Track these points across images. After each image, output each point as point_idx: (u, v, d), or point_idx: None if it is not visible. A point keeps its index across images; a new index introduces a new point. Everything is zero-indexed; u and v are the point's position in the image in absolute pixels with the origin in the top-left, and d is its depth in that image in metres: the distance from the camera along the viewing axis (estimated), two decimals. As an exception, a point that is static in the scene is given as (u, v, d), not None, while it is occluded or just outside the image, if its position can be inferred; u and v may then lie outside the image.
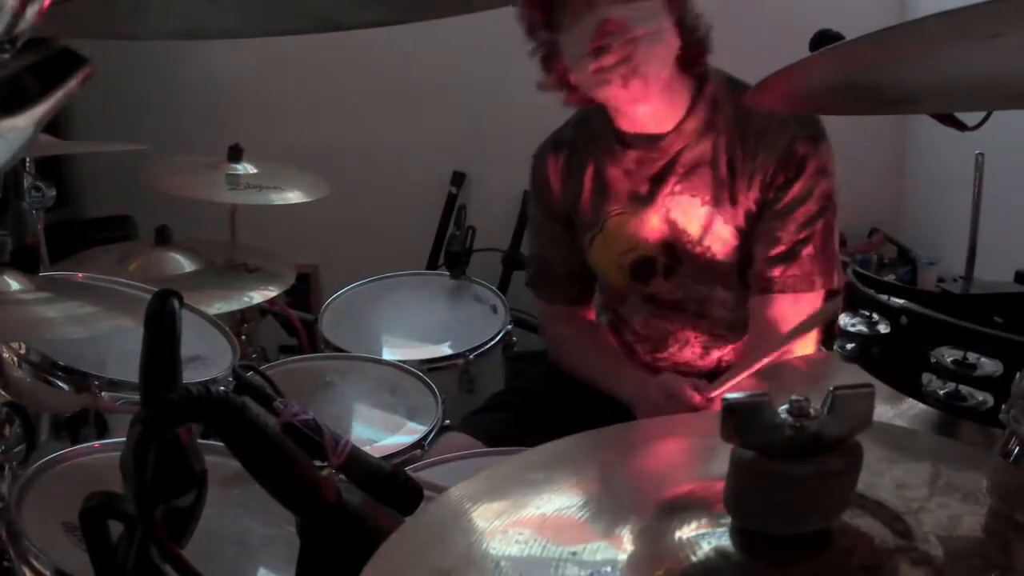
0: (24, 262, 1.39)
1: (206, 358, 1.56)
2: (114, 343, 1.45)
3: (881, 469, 0.58)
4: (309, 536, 0.71)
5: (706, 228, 1.56)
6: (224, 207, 2.17)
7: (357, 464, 0.86)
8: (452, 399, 1.75)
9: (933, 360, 0.79)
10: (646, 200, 1.60)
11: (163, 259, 2.05)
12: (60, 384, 1.42)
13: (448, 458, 1.43)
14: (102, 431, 1.41)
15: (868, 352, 0.84)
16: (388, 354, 1.96)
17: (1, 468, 1.31)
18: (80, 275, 1.73)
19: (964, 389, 0.78)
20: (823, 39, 1.09)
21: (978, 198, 1.04)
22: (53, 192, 1.82)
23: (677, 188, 1.57)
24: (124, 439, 0.64)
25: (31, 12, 0.46)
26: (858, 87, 1.00)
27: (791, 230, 1.52)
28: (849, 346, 0.86)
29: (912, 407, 0.87)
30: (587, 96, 1.55)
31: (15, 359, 1.40)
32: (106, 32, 0.72)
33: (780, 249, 1.53)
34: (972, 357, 0.78)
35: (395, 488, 0.84)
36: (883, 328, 0.84)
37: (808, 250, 1.53)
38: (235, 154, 2.15)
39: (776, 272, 1.53)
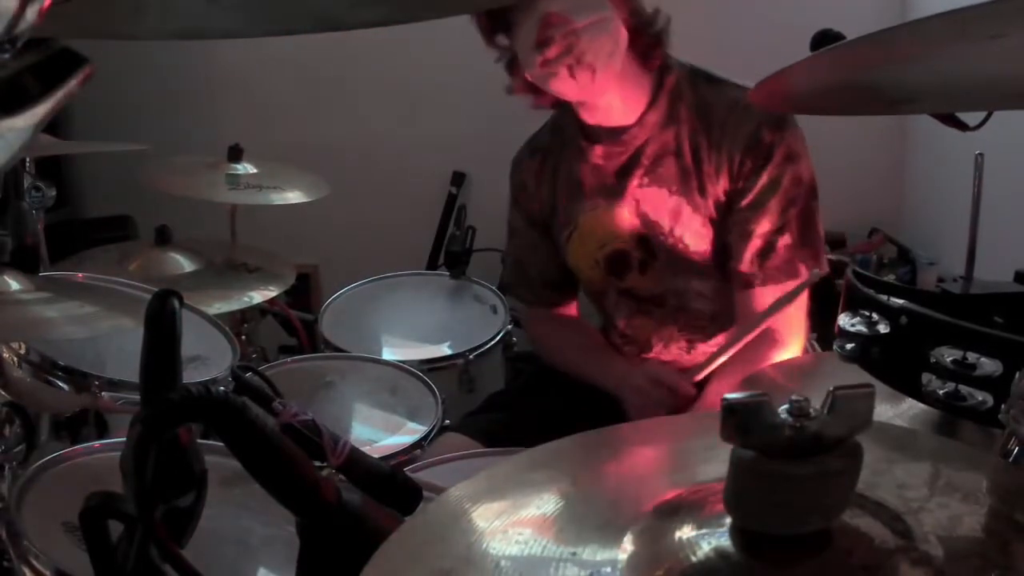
0: (24, 262, 1.39)
1: (206, 358, 1.56)
2: (114, 343, 1.45)
3: (881, 469, 0.58)
4: (309, 536, 0.71)
5: (676, 218, 1.56)
6: (224, 207, 2.17)
7: (356, 464, 0.86)
8: (452, 399, 1.75)
9: (933, 360, 0.79)
10: (615, 194, 1.61)
11: (163, 259, 2.05)
12: (60, 384, 1.42)
13: (447, 458, 1.43)
14: (102, 431, 1.42)
15: (868, 352, 0.84)
16: (388, 354, 1.96)
17: (1, 468, 1.31)
18: (80, 275, 1.73)
19: (964, 389, 0.78)
20: (823, 39, 1.09)
21: (978, 198, 1.04)
22: (53, 192, 1.82)
23: (644, 180, 1.58)
24: (124, 439, 0.64)
25: (31, 12, 0.46)
26: (858, 87, 1.00)
27: (764, 223, 1.51)
28: (849, 346, 0.86)
29: (912, 407, 0.87)
30: (551, 97, 1.57)
31: (15, 359, 1.40)
32: (106, 32, 0.72)
33: (756, 244, 1.52)
34: (972, 357, 0.78)
35: (395, 488, 0.84)
36: (883, 328, 0.84)
37: (785, 240, 1.52)
38: (235, 154, 2.15)
39: (755, 267, 1.53)
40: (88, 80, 0.52)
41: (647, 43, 1.53)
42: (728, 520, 0.52)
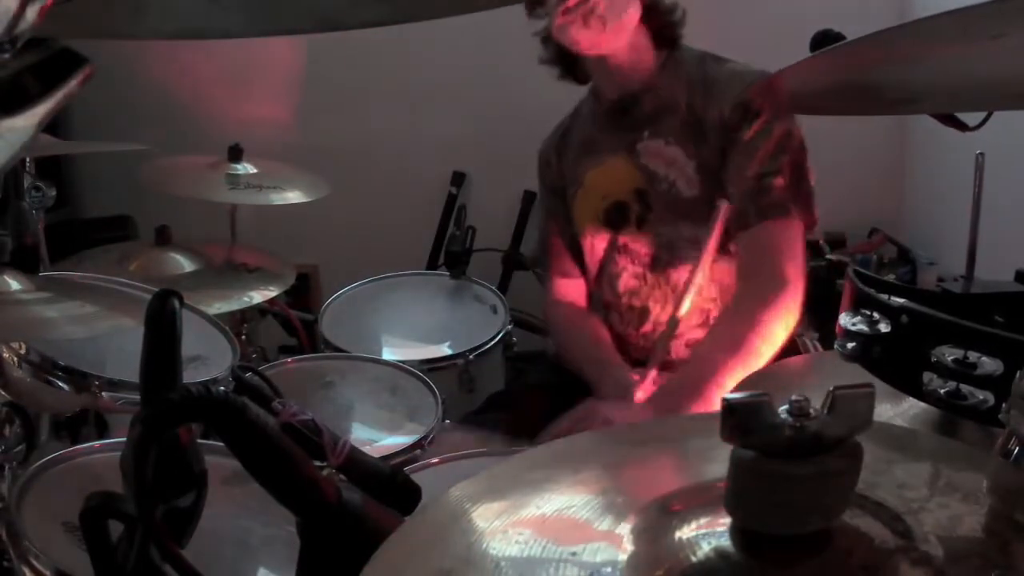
0: (24, 262, 1.39)
1: (206, 358, 1.56)
2: (114, 343, 1.45)
3: (881, 469, 0.58)
4: (309, 536, 0.71)
5: (671, 165, 1.69)
6: (224, 207, 2.17)
7: (356, 464, 0.86)
8: (452, 399, 1.75)
9: (934, 359, 0.79)
10: (618, 150, 1.75)
11: (163, 259, 2.05)
12: (60, 384, 1.41)
13: (447, 458, 1.43)
14: (102, 431, 1.41)
15: (869, 351, 0.84)
16: (388, 354, 1.95)
17: (1, 468, 1.31)
18: (80, 275, 1.73)
19: (965, 388, 0.78)
20: (823, 39, 1.09)
21: (979, 198, 1.04)
22: (53, 192, 1.82)
23: (645, 134, 1.72)
24: (124, 439, 0.64)
25: (31, 12, 0.46)
26: (858, 87, 1.00)
27: (755, 165, 1.61)
28: (850, 345, 0.86)
29: (912, 406, 0.87)
30: (573, 68, 1.78)
31: (15, 359, 1.40)
32: (106, 32, 0.72)
33: (749, 183, 1.62)
34: (973, 356, 0.78)
35: (395, 488, 0.84)
36: (884, 327, 0.84)
37: (778, 181, 1.61)
38: (235, 154, 2.15)
39: (750, 204, 1.62)
40: (88, 80, 0.52)
41: (661, 24, 1.72)
42: (728, 520, 0.52)
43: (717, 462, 0.52)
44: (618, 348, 1.80)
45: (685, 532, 0.53)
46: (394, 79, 2.98)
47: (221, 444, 0.68)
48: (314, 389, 1.70)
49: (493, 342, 1.99)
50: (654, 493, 0.58)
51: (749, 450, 0.50)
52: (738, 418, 0.50)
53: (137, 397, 0.68)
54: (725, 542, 0.51)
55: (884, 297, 0.85)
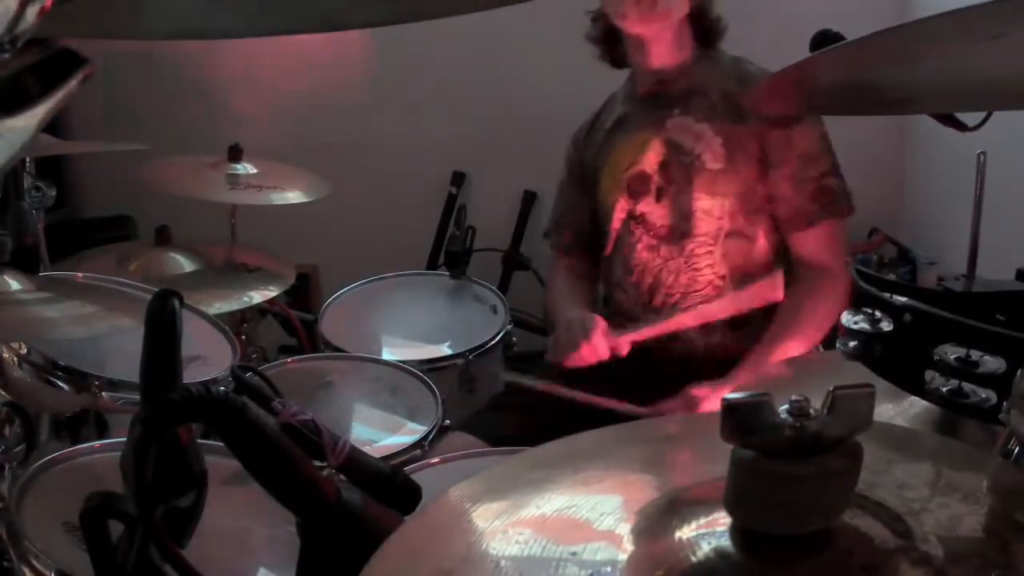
0: (24, 262, 1.39)
1: (206, 358, 1.56)
2: (114, 343, 1.45)
3: (881, 469, 0.58)
4: (309, 536, 0.71)
5: (698, 139, 1.76)
6: (224, 207, 2.17)
7: (356, 464, 0.86)
8: (452, 399, 1.75)
9: (936, 358, 0.79)
10: (649, 124, 1.80)
11: (163, 259, 2.06)
12: (60, 384, 1.42)
13: (447, 458, 1.43)
14: (102, 431, 1.42)
15: (871, 350, 0.84)
16: (388, 354, 1.95)
17: (1, 468, 1.31)
18: (80, 275, 1.73)
19: (967, 386, 0.78)
20: (823, 39, 1.09)
21: (980, 197, 1.04)
22: (53, 192, 1.83)
23: (675, 112, 1.78)
24: (124, 439, 0.64)
25: (31, 12, 0.46)
26: (858, 87, 1.00)
27: (814, 168, 1.72)
28: (852, 344, 0.86)
29: (913, 405, 0.87)
30: (614, 50, 1.85)
31: (15, 359, 1.40)
32: (106, 32, 0.72)
33: (811, 185, 1.72)
34: (975, 355, 0.78)
35: (395, 488, 0.84)
36: (886, 326, 0.84)
37: (834, 180, 1.73)
38: (235, 154, 2.15)
39: (812, 205, 1.72)
40: (88, 80, 0.52)
41: (705, 26, 1.80)
42: (728, 520, 0.52)
43: (717, 462, 0.52)
44: (620, 321, 1.83)
45: (685, 532, 0.53)
46: (394, 79, 2.98)
47: (221, 444, 0.68)
48: (314, 389, 1.70)
49: (493, 342, 1.99)
50: (654, 493, 0.58)
51: (749, 450, 0.50)
52: (738, 418, 0.50)
53: (137, 397, 0.68)
54: (725, 542, 0.51)
55: (886, 296, 0.85)
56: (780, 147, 1.72)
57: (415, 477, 0.85)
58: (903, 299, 0.84)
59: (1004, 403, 0.70)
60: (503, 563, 0.54)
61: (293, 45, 2.88)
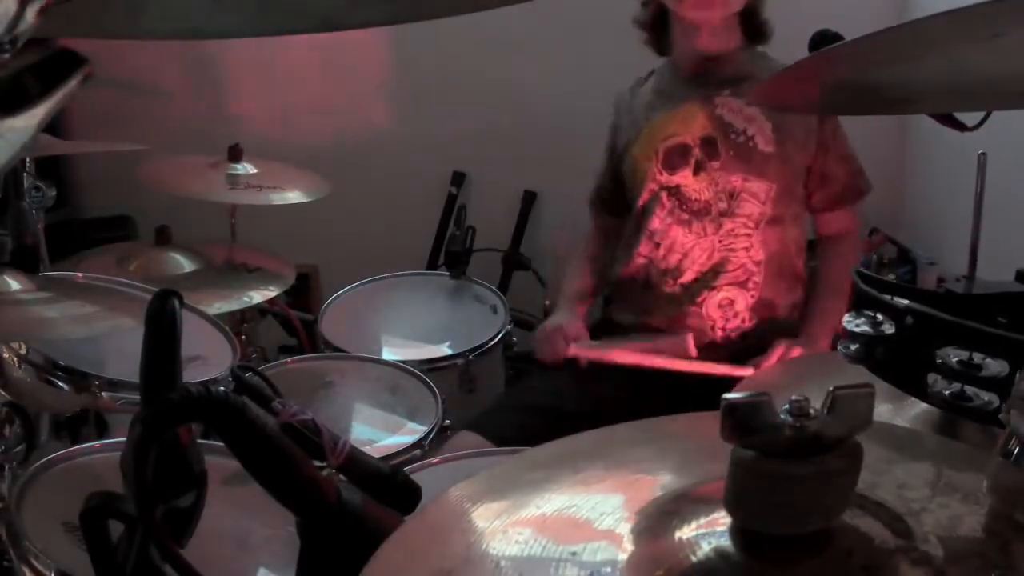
0: (24, 262, 1.39)
1: (206, 358, 1.56)
2: (114, 343, 1.45)
3: (882, 469, 0.58)
4: (309, 536, 0.71)
5: (751, 121, 1.79)
6: (224, 207, 2.17)
7: (356, 464, 0.86)
8: (452, 399, 1.75)
9: (939, 360, 0.79)
10: (695, 98, 1.83)
11: (163, 259, 2.06)
12: (60, 384, 1.42)
13: (447, 458, 1.43)
14: (102, 431, 1.42)
15: (873, 353, 0.84)
16: (388, 354, 1.96)
17: (1, 468, 1.31)
18: (80, 275, 1.73)
19: (969, 389, 0.78)
20: (823, 39, 1.09)
21: (980, 198, 1.04)
22: (53, 192, 1.82)
23: (726, 92, 1.80)
24: (124, 439, 0.64)
25: (31, 12, 0.46)
26: (858, 87, 1.00)
27: (849, 150, 1.85)
28: (853, 347, 0.85)
29: (913, 406, 0.87)
30: (658, 34, 1.88)
31: (15, 359, 1.40)
32: (106, 32, 0.72)
33: (854, 165, 1.86)
34: (977, 358, 0.77)
35: (395, 488, 0.84)
36: (888, 328, 0.84)
37: (855, 166, 1.87)
38: (235, 154, 2.15)
39: (860, 181, 1.87)
40: (88, 80, 0.52)
41: (755, 25, 1.84)
42: (728, 520, 0.52)
43: (717, 462, 0.52)
44: (645, 305, 1.88)
45: (685, 532, 0.53)
46: (394, 79, 2.98)
47: (221, 444, 0.68)
48: (314, 389, 1.70)
49: (493, 342, 1.99)
50: (654, 493, 0.58)
51: (749, 450, 0.50)
52: (738, 418, 0.50)
53: (137, 397, 0.68)
54: (725, 542, 0.51)
55: (888, 298, 0.85)
56: (830, 130, 1.80)
57: (415, 477, 0.85)
58: (905, 302, 0.83)
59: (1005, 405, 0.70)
60: (503, 563, 0.54)
61: (294, 44, 2.88)
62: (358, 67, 2.94)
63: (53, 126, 2.19)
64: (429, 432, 1.58)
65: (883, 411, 0.88)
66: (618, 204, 1.98)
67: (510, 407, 1.76)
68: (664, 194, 1.83)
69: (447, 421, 1.64)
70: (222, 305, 1.91)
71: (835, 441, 0.50)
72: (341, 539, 0.70)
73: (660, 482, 0.60)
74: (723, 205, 1.79)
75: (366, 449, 0.90)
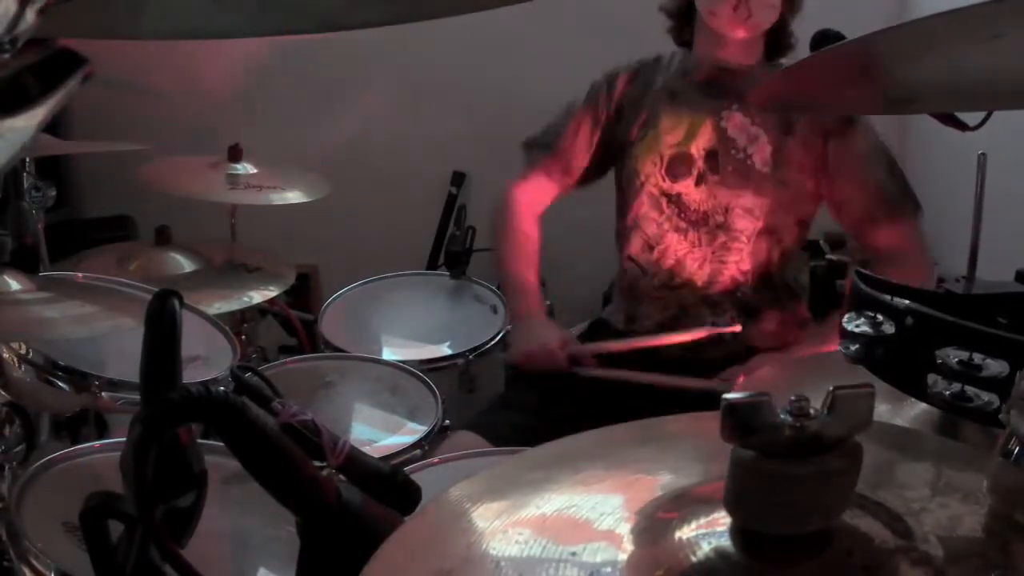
0: (24, 262, 1.39)
1: (206, 358, 1.56)
2: (114, 343, 1.45)
3: (882, 469, 0.58)
4: (309, 536, 0.71)
5: (752, 140, 1.79)
6: (224, 207, 2.17)
7: (356, 464, 0.86)
8: (452, 399, 1.75)
9: (939, 361, 0.79)
10: (704, 109, 1.82)
11: (163, 259, 2.05)
12: (60, 384, 1.42)
13: (447, 458, 1.43)
14: (102, 431, 1.42)
15: (872, 353, 0.84)
16: (388, 354, 1.95)
17: (1, 468, 1.31)
18: (80, 275, 1.73)
19: (970, 390, 0.78)
20: (823, 39, 1.09)
21: (980, 198, 1.04)
22: (53, 192, 1.83)
23: (734, 107, 1.80)
24: (124, 439, 0.64)
25: (31, 12, 0.46)
26: (858, 87, 1.00)
27: (872, 173, 1.79)
28: (853, 347, 0.85)
29: (913, 406, 0.87)
30: (682, 26, 1.87)
31: (15, 359, 1.40)
32: (106, 32, 0.72)
33: (900, 176, 1.82)
34: (978, 358, 0.77)
35: (395, 488, 0.84)
36: (888, 329, 0.83)
37: (889, 183, 1.80)
38: (235, 154, 2.15)
39: (906, 198, 1.82)
40: (88, 80, 0.52)
41: (779, 40, 1.83)
42: (728, 520, 0.52)
43: (717, 462, 0.52)
44: (629, 296, 1.90)
45: (685, 532, 0.53)
46: (394, 79, 2.98)
47: (221, 444, 0.68)
48: (314, 389, 1.70)
49: (493, 342, 1.99)
50: (654, 493, 0.58)
51: (749, 450, 0.50)
52: (738, 418, 0.50)
53: (137, 397, 0.68)
54: (725, 542, 0.51)
55: (887, 298, 0.85)
56: (839, 155, 1.77)
57: (415, 477, 0.85)
58: (905, 302, 0.83)
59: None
60: (503, 563, 0.54)
61: (292, 45, 2.88)
62: (358, 67, 2.94)
63: (53, 126, 2.19)
64: (429, 432, 1.58)
65: (883, 411, 0.88)
66: (578, 180, 1.98)
67: (509, 407, 1.76)
68: (664, 200, 1.84)
69: (447, 421, 1.64)
70: (222, 305, 1.91)
71: (835, 441, 0.50)
72: (341, 539, 0.70)
73: (660, 482, 0.60)
74: (720, 218, 1.80)
75: (366, 449, 0.90)
